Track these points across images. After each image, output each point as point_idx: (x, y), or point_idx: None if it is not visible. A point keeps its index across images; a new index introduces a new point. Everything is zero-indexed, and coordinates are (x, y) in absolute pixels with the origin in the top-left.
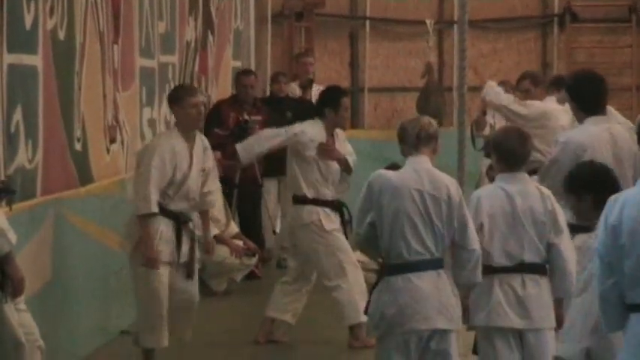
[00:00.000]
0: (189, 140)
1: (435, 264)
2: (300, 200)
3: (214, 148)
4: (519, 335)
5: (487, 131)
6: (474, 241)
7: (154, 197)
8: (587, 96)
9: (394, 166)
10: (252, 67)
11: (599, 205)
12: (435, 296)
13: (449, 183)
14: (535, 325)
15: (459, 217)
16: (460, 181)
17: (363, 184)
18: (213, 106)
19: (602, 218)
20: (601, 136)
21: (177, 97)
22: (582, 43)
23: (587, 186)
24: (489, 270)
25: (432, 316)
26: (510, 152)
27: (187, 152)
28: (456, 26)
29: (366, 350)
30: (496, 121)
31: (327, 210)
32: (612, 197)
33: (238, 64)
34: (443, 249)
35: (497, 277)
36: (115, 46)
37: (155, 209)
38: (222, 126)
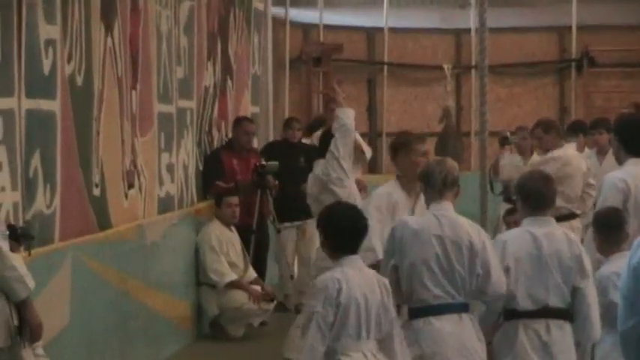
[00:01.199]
0: (412, 193)
1: (456, 307)
2: None
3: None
4: None
5: (505, 176)
6: (498, 286)
7: (380, 247)
8: (632, 137)
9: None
10: (270, 112)
11: None
12: (456, 338)
13: (470, 228)
14: None
15: (483, 263)
16: (482, 226)
17: None
18: (211, 153)
19: (627, 259)
20: None
21: (403, 144)
22: (600, 87)
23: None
24: (514, 314)
25: (452, 358)
26: (535, 194)
27: (410, 206)
28: (474, 71)
29: None
30: None
31: None
32: (638, 239)
33: (256, 109)
34: (466, 293)
35: (522, 322)
36: (134, 92)
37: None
38: (223, 176)
